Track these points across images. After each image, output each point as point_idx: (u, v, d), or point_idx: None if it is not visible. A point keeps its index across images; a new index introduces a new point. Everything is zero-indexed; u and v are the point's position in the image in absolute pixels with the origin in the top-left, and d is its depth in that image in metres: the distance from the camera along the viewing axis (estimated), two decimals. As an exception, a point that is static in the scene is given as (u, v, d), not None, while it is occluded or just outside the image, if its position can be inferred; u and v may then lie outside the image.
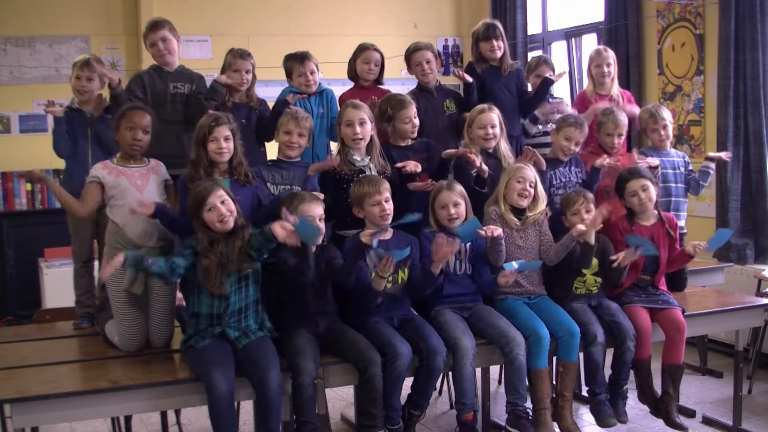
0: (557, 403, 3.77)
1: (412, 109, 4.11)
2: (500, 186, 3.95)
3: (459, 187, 3.85)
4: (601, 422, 3.83)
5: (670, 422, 3.90)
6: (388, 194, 3.65)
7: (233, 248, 3.34)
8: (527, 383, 3.70)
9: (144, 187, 3.64)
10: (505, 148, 4.20)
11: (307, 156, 4.14)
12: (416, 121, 4.12)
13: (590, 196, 3.95)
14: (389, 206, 3.63)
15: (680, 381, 3.98)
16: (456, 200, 3.80)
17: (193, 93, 4.24)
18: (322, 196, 3.67)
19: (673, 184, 4.49)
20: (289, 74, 4.46)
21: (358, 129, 3.89)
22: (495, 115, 4.14)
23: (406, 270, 3.70)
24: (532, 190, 3.91)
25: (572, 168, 4.28)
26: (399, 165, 3.95)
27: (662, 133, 4.50)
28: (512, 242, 3.90)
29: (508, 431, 3.64)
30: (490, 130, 4.12)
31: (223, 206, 3.34)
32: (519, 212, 3.94)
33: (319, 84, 4.46)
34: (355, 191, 3.70)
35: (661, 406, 3.94)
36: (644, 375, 3.93)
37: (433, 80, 4.57)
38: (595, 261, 3.94)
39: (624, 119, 4.41)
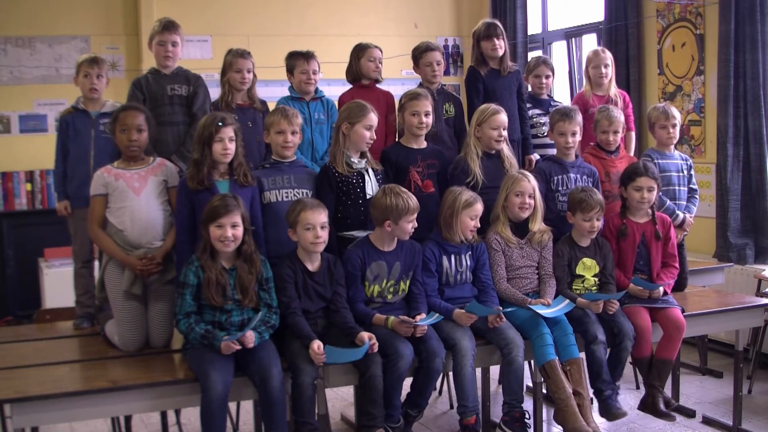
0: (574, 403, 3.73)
1: (423, 104, 4.04)
2: (499, 199, 3.94)
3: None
4: (610, 416, 3.82)
5: (656, 413, 3.89)
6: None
7: (239, 276, 3.36)
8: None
9: (141, 190, 3.64)
10: (507, 149, 4.19)
11: (308, 163, 4.14)
12: (425, 119, 4.03)
13: (603, 204, 3.94)
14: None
15: (668, 375, 4.00)
16: (480, 214, 3.81)
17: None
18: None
19: (676, 187, 4.48)
20: (290, 70, 4.44)
21: (372, 134, 3.90)
22: (505, 118, 4.13)
23: (408, 282, 3.71)
24: (532, 201, 3.90)
25: (583, 176, 4.23)
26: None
27: (671, 131, 4.47)
28: (512, 260, 3.90)
29: (502, 429, 3.64)
30: (503, 132, 4.11)
31: (231, 230, 3.33)
32: (520, 226, 3.94)
33: (318, 90, 4.45)
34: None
35: (647, 398, 3.95)
36: (646, 372, 3.95)
37: (438, 82, 4.58)
38: (594, 263, 3.97)
39: (619, 116, 4.40)
